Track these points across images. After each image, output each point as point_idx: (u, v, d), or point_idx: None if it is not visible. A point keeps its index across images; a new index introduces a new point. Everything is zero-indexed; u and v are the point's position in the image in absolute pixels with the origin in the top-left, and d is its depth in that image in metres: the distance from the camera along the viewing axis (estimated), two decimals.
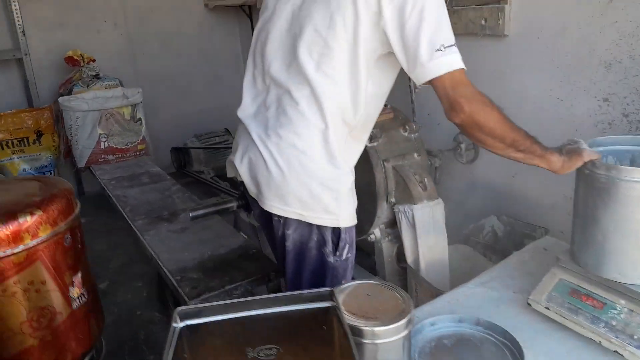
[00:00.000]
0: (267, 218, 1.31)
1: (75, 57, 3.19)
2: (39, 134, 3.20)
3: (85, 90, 2.97)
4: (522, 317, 1.22)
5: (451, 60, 1.07)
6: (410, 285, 1.77)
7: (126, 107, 2.93)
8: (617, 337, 1.06)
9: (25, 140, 3.18)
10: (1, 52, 3.23)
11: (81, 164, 2.98)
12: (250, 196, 1.33)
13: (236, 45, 4.25)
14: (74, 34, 3.55)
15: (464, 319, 1.15)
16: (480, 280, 1.41)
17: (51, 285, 1.06)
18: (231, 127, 3.95)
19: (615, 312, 1.10)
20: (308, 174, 1.19)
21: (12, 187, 1.17)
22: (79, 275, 1.14)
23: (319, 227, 1.23)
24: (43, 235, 1.03)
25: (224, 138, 3.67)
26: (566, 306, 1.17)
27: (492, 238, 2.08)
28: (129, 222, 2.00)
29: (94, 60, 3.25)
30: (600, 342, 1.08)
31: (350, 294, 0.98)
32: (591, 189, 1.12)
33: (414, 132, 1.79)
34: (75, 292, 1.11)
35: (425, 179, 1.66)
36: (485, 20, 1.98)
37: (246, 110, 1.32)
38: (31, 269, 1.02)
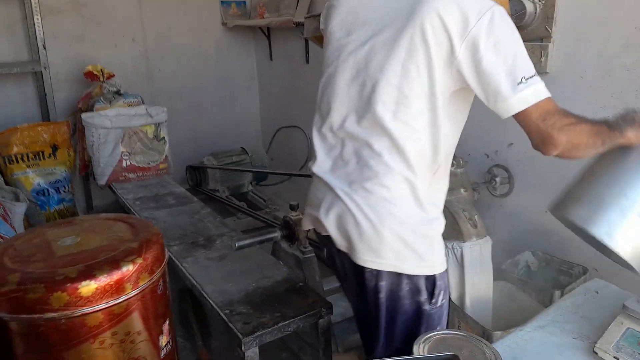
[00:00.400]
0: (354, 270, 1.27)
1: (95, 72, 3.16)
2: (55, 148, 3.15)
3: (107, 106, 2.94)
4: None
5: (535, 91, 1.05)
6: (452, 321, 1.76)
7: (150, 126, 2.90)
8: None
9: (40, 154, 3.12)
10: (21, 65, 3.19)
11: (102, 181, 2.93)
12: (337, 248, 1.29)
13: (252, 65, 4.26)
14: (91, 48, 3.53)
15: None
16: (537, 324, 1.39)
17: (145, 336, 1.02)
18: (245, 145, 3.94)
19: None
20: (401, 224, 1.17)
21: (97, 228, 1.13)
22: (167, 322, 1.10)
23: (409, 276, 1.20)
24: (142, 284, 0.99)
25: (240, 157, 3.66)
26: (636, 357, 1.16)
27: (526, 274, 2.07)
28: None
29: (113, 76, 3.23)
30: None
31: (435, 345, 0.97)
32: None
33: (460, 166, 1.79)
34: (163, 340, 1.07)
35: (475, 216, 1.66)
36: None
37: (322, 166, 1.30)
38: (129, 319, 0.97)
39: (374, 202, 1.17)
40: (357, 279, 1.27)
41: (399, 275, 1.20)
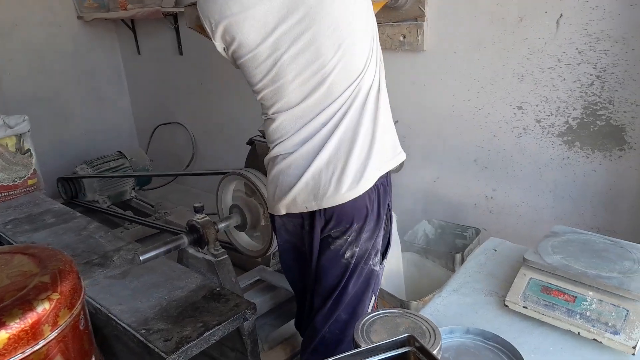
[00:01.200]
0: (328, 241, 1.34)
1: None
2: None
3: None
4: (502, 319, 1.31)
5: None
6: None
7: (10, 138, 2.53)
8: (593, 326, 1.19)
9: None
10: None
11: None
12: (310, 225, 1.34)
13: (117, 61, 3.93)
14: None
15: (454, 330, 1.20)
16: (451, 288, 1.47)
17: None
18: (121, 148, 3.65)
19: (586, 303, 1.23)
20: (382, 151, 1.29)
21: None
22: (93, 359, 0.96)
23: (376, 240, 1.35)
24: (62, 322, 0.83)
25: (118, 162, 3.37)
26: (542, 303, 1.27)
27: (425, 242, 2.20)
28: None
29: None
30: (579, 332, 1.20)
31: (380, 324, 0.99)
32: None
33: None
34: None
35: None
36: (404, 37, 2.09)
37: (291, 143, 1.30)
38: None
39: (362, 150, 1.25)
40: (327, 249, 1.34)
41: (371, 239, 1.31)
